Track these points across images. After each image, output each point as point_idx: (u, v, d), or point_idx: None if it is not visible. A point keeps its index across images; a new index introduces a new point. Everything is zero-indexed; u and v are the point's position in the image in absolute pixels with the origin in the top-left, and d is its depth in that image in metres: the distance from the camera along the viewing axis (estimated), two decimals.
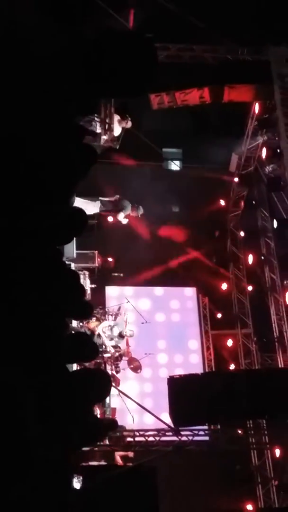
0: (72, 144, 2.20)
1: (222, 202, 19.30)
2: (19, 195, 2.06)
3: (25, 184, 2.04)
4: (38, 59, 2.07)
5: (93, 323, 14.57)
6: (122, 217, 15.90)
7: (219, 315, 18.85)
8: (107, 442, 13.31)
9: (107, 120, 14.24)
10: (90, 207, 15.24)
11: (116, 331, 14.87)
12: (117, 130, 14.86)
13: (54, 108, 2.22)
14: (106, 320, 15.25)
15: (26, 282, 2.21)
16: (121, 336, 14.89)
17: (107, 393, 5.12)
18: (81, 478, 10.61)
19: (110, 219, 15.93)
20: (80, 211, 3.16)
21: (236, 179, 18.49)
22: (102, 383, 4.76)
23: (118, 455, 13.81)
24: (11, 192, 2.03)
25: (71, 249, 13.96)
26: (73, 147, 2.20)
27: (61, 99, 2.22)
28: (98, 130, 14.32)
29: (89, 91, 2.29)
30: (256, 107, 15.96)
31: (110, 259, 16.87)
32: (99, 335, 14.51)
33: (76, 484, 10.34)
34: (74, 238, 13.38)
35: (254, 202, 18.89)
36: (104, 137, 14.55)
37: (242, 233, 19.45)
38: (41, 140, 2.07)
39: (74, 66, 2.14)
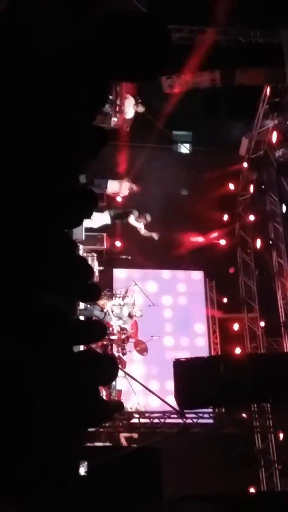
0: (83, 124, 2.19)
1: (232, 186, 19.24)
2: (26, 174, 2.06)
3: (33, 163, 2.04)
4: (45, 44, 2.06)
5: (102, 300, 14.61)
6: (133, 220, 16.01)
7: (225, 299, 18.87)
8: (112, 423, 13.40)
9: (117, 102, 14.19)
10: (101, 219, 15.36)
11: (125, 311, 14.95)
12: (129, 113, 14.85)
13: (63, 94, 2.22)
14: (115, 296, 15.36)
15: (32, 262, 2.21)
16: (130, 316, 14.97)
17: (114, 377, 5.14)
18: (86, 463, 10.68)
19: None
20: (91, 191, 3.16)
21: (245, 163, 18.42)
22: (109, 367, 4.79)
23: (122, 437, 13.91)
24: (17, 171, 2.03)
25: (79, 231, 13.99)
26: (84, 127, 2.20)
27: (70, 86, 2.22)
28: (109, 110, 14.31)
29: (99, 77, 2.29)
30: (267, 91, 15.88)
31: (118, 242, 16.88)
32: (107, 312, 14.57)
33: (81, 469, 10.41)
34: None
35: (263, 186, 18.84)
36: (115, 119, 14.53)
37: (251, 217, 19.41)
38: (51, 120, 2.07)
39: (83, 50, 2.13)
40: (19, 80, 1.94)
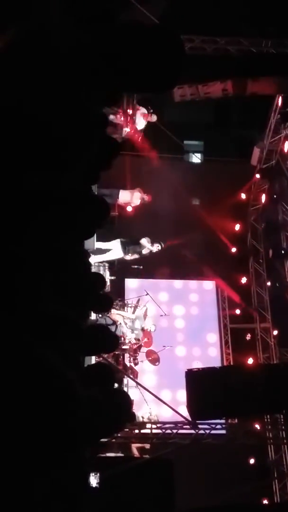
0: (96, 133, 2.18)
1: (243, 196, 19.22)
2: (38, 182, 2.04)
3: (46, 171, 2.02)
4: (60, 51, 2.06)
5: (115, 315, 14.61)
6: (146, 250, 15.99)
7: (237, 310, 18.81)
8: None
9: (129, 112, 14.23)
10: (111, 248, 15.34)
11: (138, 325, 14.90)
12: (141, 124, 14.87)
13: (77, 97, 2.20)
14: (126, 312, 15.29)
15: (43, 271, 2.19)
16: (142, 330, 14.93)
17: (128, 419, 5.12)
18: (98, 475, 10.63)
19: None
20: (103, 200, 3.14)
21: (257, 173, 18.39)
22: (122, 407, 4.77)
23: (134, 447, 13.85)
24: (31, 179, 2.01)
25: (91, 241, 13.98)
26: (97, 136, 2.18)
27: (84, 89, 2.20)
28: (120, 121, 14.34)
29: (114, 83, 2.27)
30: (279, 100, 15.86)
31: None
32: (120, 324, 14.55)
33: (93, 480, 10.36)
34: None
35: (275, 196, 18.79)
36: (126, 129, 14.56)
37: (262, 227, 19.37)
38: (65, 125, 2.05)
39: (97, 60, 2.12)
40: (34, 85, 1.93)
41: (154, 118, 15.08)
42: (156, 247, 15.97)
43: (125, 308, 15.51)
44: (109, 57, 2.08)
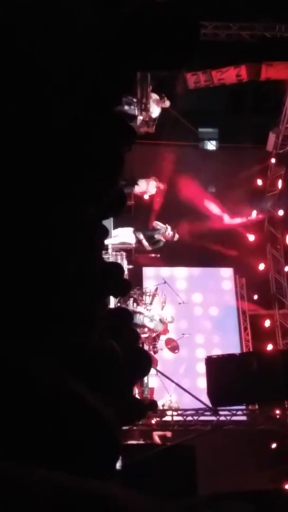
0: (114, 121, 2.19)
1: (260, 182, 19.14)
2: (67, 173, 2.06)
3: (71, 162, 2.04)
4: (74, 33, 2.07)
5: (138, 308, 14.70)
6: (156, 243, 16.03)
7: (256, 296, 18.78)
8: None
9: (143, 100, 14.20)
10: (124, 234, 15.37)
11: (156, 317, 14.94)
12: (155, 111, 14.83)
13: (89, 86, 2.21)
14: (145, 304, 15.32)
15: (63, 251, 2.20)
16: (161, 321, 14.97)
17: (147, 372, 5.15)
18: (120, 457, 10.69)
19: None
20: (121, 190, 3.16)
21: (273, 159, 18.31)
22: (144, 363, 4.79)
23: (156, 435, 13.91)
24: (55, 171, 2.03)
25: (108, 229, 14.00)
26: (115, 123, 2.20)
27: (96, 76, 2.22)
28: (135, 111, 14.31)
29: (126, 65, 2.28)
30: None
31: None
32: (140, 313, 14.57)
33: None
34: (112, 219, 13.50)
35: None
36: (140, 118, 14.54)
37: (280, 213, 19.29)
38: (83, 119, 2.07)
39: (110, 38, 2.13)
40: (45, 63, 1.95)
41: (167, 103, 15.03)
42: (170, 230, 16.02)
43: (143, 296, 15.54)
44: (122, 35, 2.09)
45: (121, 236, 15.44)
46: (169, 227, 16.05)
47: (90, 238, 2.54)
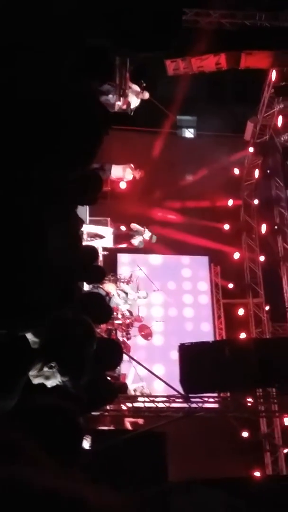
0: (91, 102, 2.15)
1: (237, 171, 19.18)
2: (37, 153, 2.02)
3: (43, 142, 2.00)
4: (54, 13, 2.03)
5: (108, 285, 14.58)
6: (138, 242, 15.97)
7: (230, 285, 18.85)
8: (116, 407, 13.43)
9: (122, 86, 14.09)
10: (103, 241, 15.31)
11: (131, 296, 14.94)
12: (134, 102, 14.72)
13: (70, 66, 2.17)
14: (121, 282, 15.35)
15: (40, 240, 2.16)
16: (135, 300, 14.99)
17: (119, 362, 5.17)
18: (90, 438, 10.72)
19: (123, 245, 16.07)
20: (96, 175, 3.14)
21: (251, 148, 18.34)
22: (115, 352, 4.81)
23: (127, 421, 13.94)
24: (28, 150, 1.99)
25: (84, 215, 13.92)
26: (92, 105, 2.15)
27: (76, 57, 2.18)
28: (113, 97, 14.20)
29: (105, 49, 2.24)
30: (273, 75, 15.77)
31: (122, 227, 16.82)
32: (113, 296, 14.56)
33: (86, 444, 10.44)
34: (87, 207, 13.45)
35: (268, 171, 18.75)
36: (119, 103, 14.43)
37: (255, 202, 19.37)
38: (61, 99, 2.02)
39: (91, 20, 2.09)
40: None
41: (146, 95, 14.93)
42: (147, 233, 15.98)
43: (118, 283, 15.52)
44: (109, 15, 2.05)
45: (100, 241, 15.35)
46: (146, 230, 16.00)
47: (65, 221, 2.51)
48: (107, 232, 15.43)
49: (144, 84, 14.95)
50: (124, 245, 16.10)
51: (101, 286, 14.21)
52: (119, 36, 2.12)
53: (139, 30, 2.09)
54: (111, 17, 2.05)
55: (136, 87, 14.70)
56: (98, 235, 15.30)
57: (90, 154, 2.12)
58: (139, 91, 14.77)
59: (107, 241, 15.44)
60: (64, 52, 2.07)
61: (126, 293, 15.00)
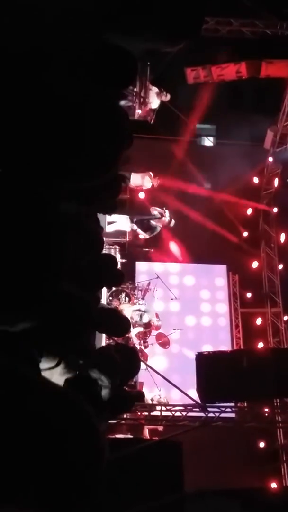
0: (115, 110, 2.13)
1: (256, 179, 19.13)
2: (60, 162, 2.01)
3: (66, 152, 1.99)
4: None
5: (124, 305, 14.60)
6: (159, 228, 16.09)
7: (248, 294, 18.78)
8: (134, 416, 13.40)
9: (142, 94, 14.12)
10: (120, 221, 15.35)
11: (145, 319, 14.86)
12: (154, 103, 14.74)
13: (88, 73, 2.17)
14: (137, 299, 15.27)
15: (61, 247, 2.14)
16: (149, 324, 14.91)
17: (137, 370, 5.16)
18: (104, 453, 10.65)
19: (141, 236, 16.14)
20: (118, 180, 3.13)
21: (270, 157, 18.29)
22: (133, 361, 4.79)
23: (147, 429, 13.88)
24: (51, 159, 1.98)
25: (102, 223, 13.93)
26: (117, 113, 2.14)
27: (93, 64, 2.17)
28: (131, 104, 14.23)
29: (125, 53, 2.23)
30: None
31: (141, 235, 16.83)
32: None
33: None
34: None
35: None
36: (139, 111, 14.47)
37: (275, 211, 19.29)
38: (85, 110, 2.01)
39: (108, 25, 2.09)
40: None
41: (167, 97, 14.95)
42: (168, 214, 16.04)
43: (136, 291, 15.51)
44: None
45: (116, 224, 15.41)
46: (167, 211, 16.07)
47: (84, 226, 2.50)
48: (124, 219, 15.55)
49: (163, 90, 14.98)
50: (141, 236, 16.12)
51: (116, 304, 14.26)
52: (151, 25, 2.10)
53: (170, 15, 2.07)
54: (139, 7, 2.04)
55: (155, 88, 14.73)
56: (116, 242, 15.33)
57: (111, 163, 2.11)
58: (159, 92, 14.78)
59: (122, 225, 15.56)
60: (87, 57, 2.06)
61: (143, 311, 14.92)
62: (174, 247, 17.81)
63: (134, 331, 14.55)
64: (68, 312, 2.90)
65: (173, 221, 16.20)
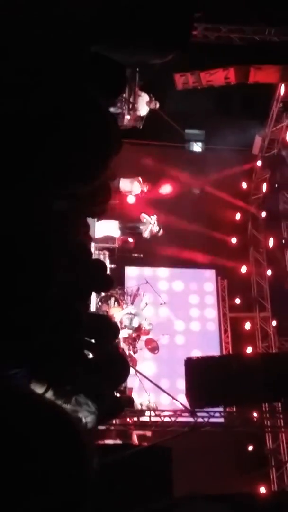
0: (105, 117, 2.15)
1: (244, 185, 19.19)
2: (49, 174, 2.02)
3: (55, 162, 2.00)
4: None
5: (113, 309, 14.59)
6: (147, 233, 16.11)
7: (237, 299, 18.81)
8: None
9: (131, 100, 14.14)
10: (108, 227, 15.36)
11: (135, 322, 14.85)
12: (143, 110, 14.77)
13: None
14: (126, 304, 15.26)
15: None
16: (139, 328, 14.90)
17: (126, 375, 5.16)
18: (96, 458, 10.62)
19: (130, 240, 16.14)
20: (106, 185, 3.14)
21: (259, 162, 18.35)
22: (122, 366, 4.80)
23: (135, 434, 13.87)
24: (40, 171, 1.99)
25: (91, 229, 13.91)
26: (106, 120, 2.15)
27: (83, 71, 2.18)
28: (120, 110, 14.26)
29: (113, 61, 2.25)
30: (282, 89, 15.81)
31: (130, 240, 16.83)
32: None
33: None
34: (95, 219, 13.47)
35: (276, 185, 18.73)
36: (128, 117, 14.48)
37: (263, 216, 19.35)
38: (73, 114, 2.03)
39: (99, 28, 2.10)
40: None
41: (156, 105, 14.99)
42: (156, 224, 16.07)
43: (125, 296, 15.51)
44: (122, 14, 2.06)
45: (105, 229, 15.42)
46: (155, 221, 16.10)
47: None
48: (113, 225, 15.55)
49: (153, 98, 15.02)
50: (131, 239, 16.13)
51: (105, 308, 14.25)
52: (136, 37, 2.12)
53: (157, 29, 2.09)
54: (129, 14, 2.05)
55: (145, 96, 14.76)
56: (105, 248, 15.32)
57: (102, 168, 2.12)
58: (148, 100, 14.81)
59: (113, 231, 15.57)
60: (79, 64, 2.08)
61: (133, 314, 14.91)
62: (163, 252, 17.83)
63: (122, 333, 14.55)
64: (59, 352, 2.92)
65: (161, 231, 16.23)
